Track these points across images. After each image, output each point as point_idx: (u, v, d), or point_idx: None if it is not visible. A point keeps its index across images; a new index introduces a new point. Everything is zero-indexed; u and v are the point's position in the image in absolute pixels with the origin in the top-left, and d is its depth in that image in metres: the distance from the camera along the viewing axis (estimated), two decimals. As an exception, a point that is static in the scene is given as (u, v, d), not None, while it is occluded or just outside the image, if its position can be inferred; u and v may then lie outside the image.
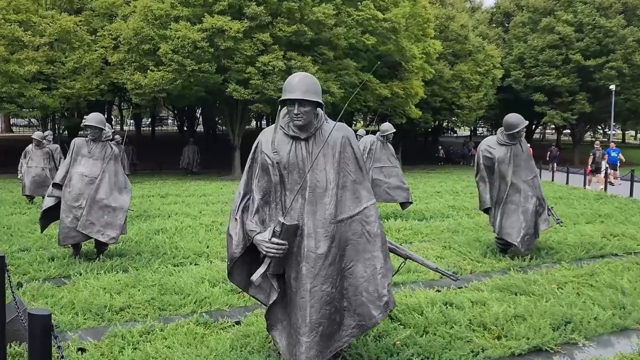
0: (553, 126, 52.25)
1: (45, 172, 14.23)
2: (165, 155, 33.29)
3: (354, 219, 3.85)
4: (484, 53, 35.85)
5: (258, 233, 3.78)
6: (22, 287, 6.30)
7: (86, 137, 7.85)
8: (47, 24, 24.96)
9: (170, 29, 23.62)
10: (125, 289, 6.12)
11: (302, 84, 3.74)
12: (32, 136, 14.75)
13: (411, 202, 11.75)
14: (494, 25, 44.99)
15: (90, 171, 7.60)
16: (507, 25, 43.36)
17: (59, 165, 14.90)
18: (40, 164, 14.21)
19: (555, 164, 30.34)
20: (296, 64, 24.24)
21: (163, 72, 23.81)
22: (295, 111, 3.72)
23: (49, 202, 7.69)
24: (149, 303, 5.70)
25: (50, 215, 7.87)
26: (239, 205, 3.94)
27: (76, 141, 7.75)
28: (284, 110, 3.91)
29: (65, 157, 17.14)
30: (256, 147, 3.99)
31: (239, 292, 6.11)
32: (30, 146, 14.51)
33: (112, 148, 7.85)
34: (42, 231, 8.13)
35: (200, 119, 49.69)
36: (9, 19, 24.30)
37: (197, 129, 49.04)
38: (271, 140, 3.87)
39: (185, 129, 49.97)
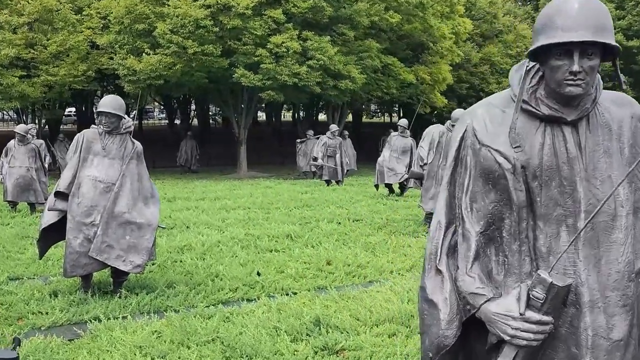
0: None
1: (30, 173, 12.55)
2: (155, 151, 31.54)
3: (656, 269, 2.24)
4: (514, 33, 34.24)
5: (489, 299, 2.16)
6: (19, 345, 4.66)
7: (98, 127, 6.19)
8: (26, 2, 23.19)
9: (168, 5, 21.93)
10: (171, 350, 4.50)
11: (588, 12, 2.09)
12: (15, 130, 13.05)
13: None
14: (520, 3, 43.37)
15: (105, 175, 5.95)
16: (536, 2, 41.71)
17: (46, 165, 13.29)
18: (25, 164, 12.52)
19: None
20: (313, 45, 22.62)
21: (160, 56, 22.12)
22: (575, 67, 2.07)
23: (50, 217, 6.03)
24: (215, 375, 4.09)
25: (51, 236, 6.22)
26: (442, 246, 2.31)
27: (85, 134, 6.10)
28: (532, 69, 2.27)
29: (51, 156, 15.55)
30: (463, 138, 2.35)
31: (337, 352, 4.51)
32: (12, 142, 12.81)
33: (133, 143, 6.21)
34: (40, 257, 6.48)
35: (194, 111, 47.93)
36: (-19, -3, 22.59)
37: (191, 122, 47.27)
38: (510, 126, 2.23)
39: (176, 122, 48.27)
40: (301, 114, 39.10)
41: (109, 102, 6.01)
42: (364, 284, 6.65)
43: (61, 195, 5.93)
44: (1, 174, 12.99)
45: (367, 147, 32.28)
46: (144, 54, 22.48)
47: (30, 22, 23.55)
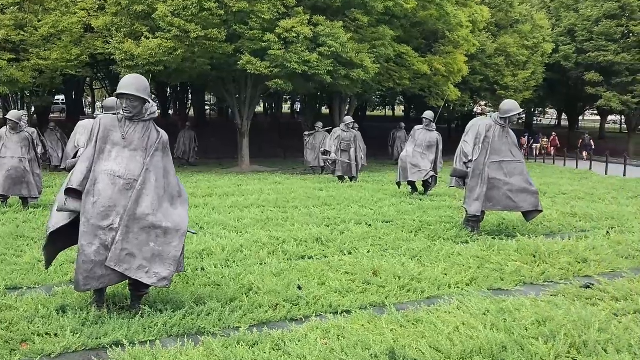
0: (595, 112, 50.10)
1: (23, 164, 11.70)
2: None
3: None
4: (531, 23, 33.47)
5: None
6: (28, 381, 3.87)
7: (115, 114, 5.38)
8: (16, -21, 22.34)
9: (170, -15, 21.07)
10: (220, 390, 3.71)
11: None
12: (7, 117, 12.18)
13: (540, 211, 9.39)
14: (536, -9, 42.60)
15: (125, 169, 5.14)
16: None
17: (41, 155, 12.47)
18: (18, 154, 11.67)
19: (587, 153, 31.49)
20: (324, 31, 21.79)
21: (160, 40, 21.24)
22: None
23: (59, 219, 5.21)
24: None
25: (60, 241, 5.41)
26: None
27: (102, 120, 5.27)
28: None
29: (42, 146, 14.66)
30: None
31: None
32: (2, 130, 11.96)
33: (158, 132, 5.41)
34: (47, 266, 5.66)
35: (191, 101, 47.00)
36: (-32, -27, 21.67)
37: (188, 112, 46.34)
38: None
39: (170, 112, 47.36)
40: (300, 105, 38.31)
41: (132, 83, 5.19)
42: (424, 300, 5.87)
43: (73, 193, 5.10)
44: (-9, 165, 12.16)
45: (373, 141, 31.47)
46: (142, 38, 21.60)
47: (20, 2, 22.67)
